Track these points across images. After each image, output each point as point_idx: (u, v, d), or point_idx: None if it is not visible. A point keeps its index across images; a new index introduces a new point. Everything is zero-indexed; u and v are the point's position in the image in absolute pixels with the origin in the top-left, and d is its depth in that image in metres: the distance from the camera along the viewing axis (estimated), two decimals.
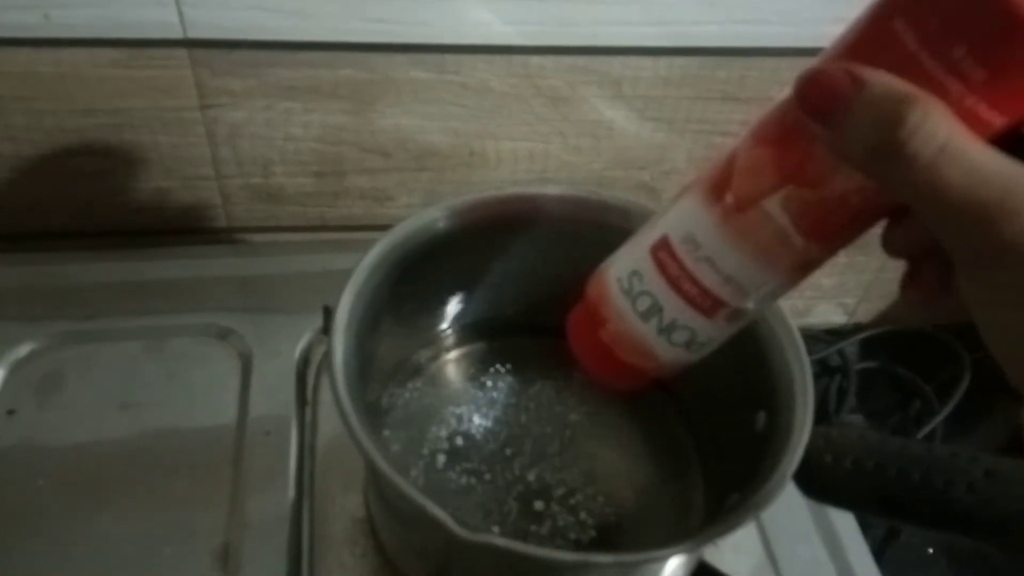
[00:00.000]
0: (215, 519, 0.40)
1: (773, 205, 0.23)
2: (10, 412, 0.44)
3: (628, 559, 0.30)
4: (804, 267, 0.24)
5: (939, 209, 0.19)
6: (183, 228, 0.57)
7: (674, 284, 0.26)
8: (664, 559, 0.30)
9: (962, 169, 0.18)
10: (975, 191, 0.18)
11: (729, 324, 0.26)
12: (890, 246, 0.23)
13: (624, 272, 0.27)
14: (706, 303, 0.25)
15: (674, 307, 0.26)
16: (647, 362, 0.28)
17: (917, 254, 0.23)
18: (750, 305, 0.26)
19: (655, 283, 0.26)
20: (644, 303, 0.27)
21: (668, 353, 0.27)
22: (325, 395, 0.47)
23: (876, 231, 0.24)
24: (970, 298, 0.20)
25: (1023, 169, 0.18)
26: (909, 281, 0.24)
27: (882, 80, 0.19)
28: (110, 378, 0.46)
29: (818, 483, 0.30)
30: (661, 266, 0.26)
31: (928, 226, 0.20)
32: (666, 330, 0.27)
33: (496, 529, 0.38)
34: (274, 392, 0.46)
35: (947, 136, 0.18)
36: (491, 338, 0.46)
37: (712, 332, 0.27)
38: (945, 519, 0.28)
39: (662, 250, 0.26)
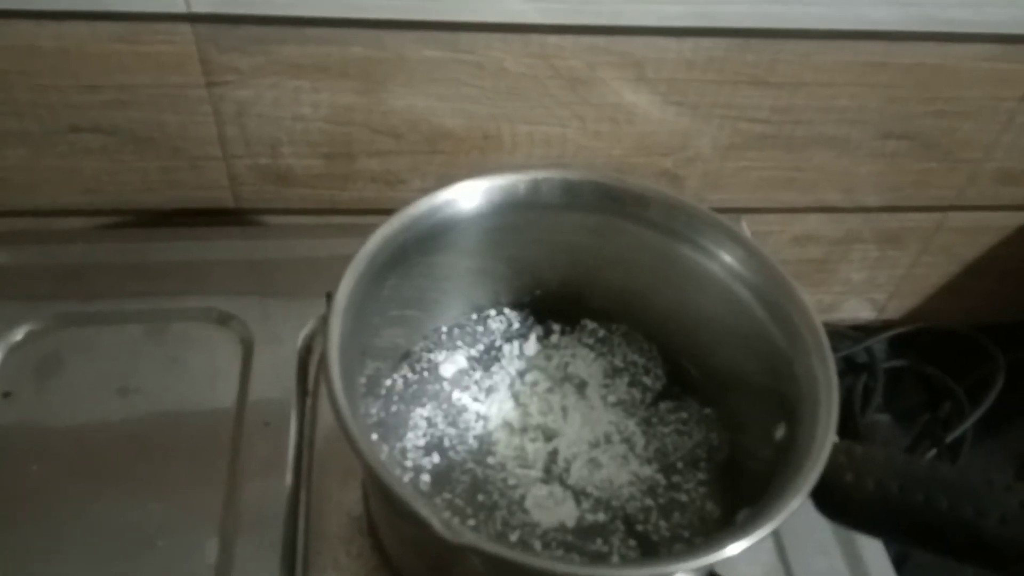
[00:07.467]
0: (210, 512, 0.39)
1: None
2: (6, 394, 0.43)
3: (608, 573, 0.28)
4: None
5: None
6: (192, 209, 0.56)
7: None
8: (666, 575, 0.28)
9: None
10: None
11: None
12: None
13: None
14: None
15: None
16: None
17: None
18: None
19: None
20: None
21: None
22: None
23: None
24: None
25: None
26: None
27: None
28: (109, 362, 0.45)
29: (837, 503, 0.28)
30: None
31: None
32: None
33: (499, 526, 0.36)
34: (275, 381, 0.44)
35: None
36: (504, 325, 0.44)
37: None
38: (974, 551, 0.26)
39: None
